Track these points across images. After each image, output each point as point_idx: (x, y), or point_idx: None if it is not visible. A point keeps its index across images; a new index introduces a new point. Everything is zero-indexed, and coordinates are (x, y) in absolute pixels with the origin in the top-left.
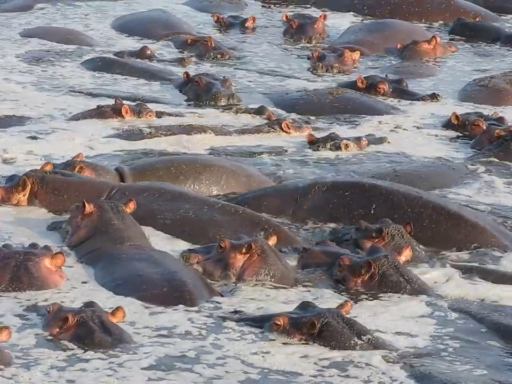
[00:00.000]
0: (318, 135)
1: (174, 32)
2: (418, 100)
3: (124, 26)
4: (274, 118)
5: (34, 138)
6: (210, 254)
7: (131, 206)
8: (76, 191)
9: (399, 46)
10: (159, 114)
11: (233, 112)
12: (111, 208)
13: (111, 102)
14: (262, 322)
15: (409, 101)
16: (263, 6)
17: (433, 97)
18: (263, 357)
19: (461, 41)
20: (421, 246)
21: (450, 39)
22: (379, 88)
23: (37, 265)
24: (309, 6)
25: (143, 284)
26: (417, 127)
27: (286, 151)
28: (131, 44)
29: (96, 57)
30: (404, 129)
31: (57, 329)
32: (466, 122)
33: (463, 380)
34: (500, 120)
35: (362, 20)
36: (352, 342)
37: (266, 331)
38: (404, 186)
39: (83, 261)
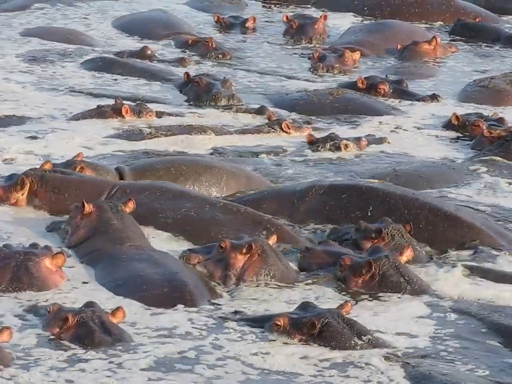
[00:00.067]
0: (318, 135)
1: (174, 32)
2: (419, 101)
3: (124, 26)
4: (275, 118)
5: (34, 138)
6: (210, 254)
7: (130, 206)
8: (76, 189)
9: (399, 46)
10: (159, 115)
11: (234, 112)
12: (110, 208)
13: (111, 102)
14: (262, 323)
15: (410, 102)
16: (263, 6)
17: (434, 97)
18: (262, 357)
19: (461, 42)
20: (422, 245)
21: (450, 40)
22: (379, 89)
23: (37, 265)
24: (309, 6)
25: (144, 284)
26: (418, 128)
27: (286, 151)
28: (131, 43)
29: (96, 57)
30: (404, 129)
31: (57, 329)
32: (467, 123)
33: (463, 381)
34: (500, 120)
35: (362, 21)
36: (353, 342)
37: (267, 331)
38: (401, 188)
39: (83, 261)
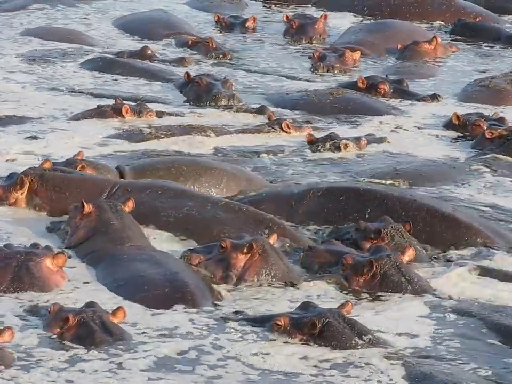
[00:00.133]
0: (318, 135)
1: (174, 32)
2: (419, 100)
3: (124, 26)
4: (275, 118)
5: (34, 138)
6: (211, 254)
7: (130, 205)
8: (77, 188)
9: (399, 46)
10: (160, 114)
11: (234, 111)
12: (109, 207)
13: (111, 102)
14: (263, 323)
15: (410, 101)
16: (263, 6)
17: (434, 97)
18: (262, 358)
19: (462, 42)
20: (421, 245)
21: (451, 40)
22: (380, 89)
23: (38, 265)
24: (309, 6)
25: (145, 284)
26: (418, 128)
27: (286, 151)
28: (132, 43)
29: (96, 57)
30: (405, 129)
31: (58, 330)
32: (467, 122)
33: (464, 380)
34: (501, 120)
35: (362, 20)
36: (353, 342)
37: (267, 331)
38: (398, 190)
39: (84, 262)
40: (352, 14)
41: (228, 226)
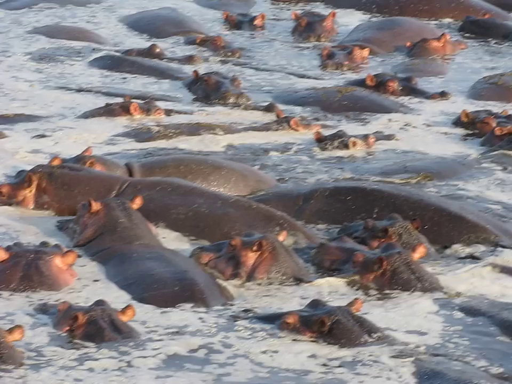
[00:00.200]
0: (327, 133)
1: (183, 30)
2: (428, 98)
3: (133, 24)
4: (283, 116)
5: (43, 136)
6: (221, 252)
7: (138, 202)
8: (86, 185)
9: (408, 43)
10: (168, 113)
11: (242, 109)
12: (117, 205)
13: (120, 100)
14: (273, 321)
15: (419, 99)
16: (272, 4)
17: (443, 95)
18: (271, 356)
19: (471, 39)
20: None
21: (459, 37)
22: (388, 86)
23: (48, 264)
24: (318, 3)
25: (154, 283)
26: (427, 125)
27: (295, 148)
28: (140, 42)
29: (105, 55)
30: (414, 127)
31: (67, 328)
32: (476, 120)
33: (474, 378)
34: (510, 117)
35: (371, 18)
36: (362, 339)
37: (277, 329)
38: (405, 189)
39: (93, 260)
40: (360, 11)
41: (238, 223)
